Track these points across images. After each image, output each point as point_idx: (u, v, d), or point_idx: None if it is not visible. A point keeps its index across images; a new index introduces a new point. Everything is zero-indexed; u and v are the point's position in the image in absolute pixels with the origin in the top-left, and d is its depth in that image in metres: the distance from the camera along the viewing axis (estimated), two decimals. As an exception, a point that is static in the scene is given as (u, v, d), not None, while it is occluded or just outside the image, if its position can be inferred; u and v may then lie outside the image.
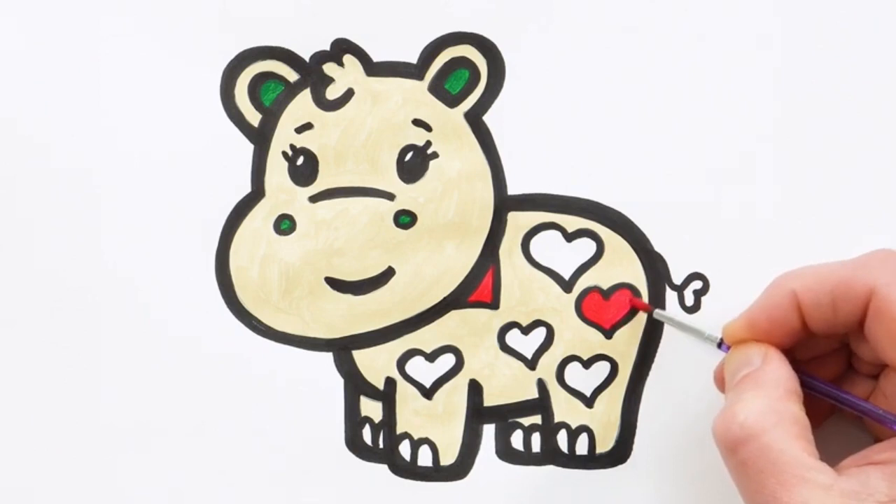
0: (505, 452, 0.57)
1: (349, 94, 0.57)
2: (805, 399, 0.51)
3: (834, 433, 0.55)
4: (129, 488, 0.57)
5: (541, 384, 0.57)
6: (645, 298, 0.57)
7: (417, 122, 0.57)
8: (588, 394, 0.57)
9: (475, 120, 0.57)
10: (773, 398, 0.49)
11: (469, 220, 0.57)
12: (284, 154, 0.57)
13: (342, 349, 0.57)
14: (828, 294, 0.50)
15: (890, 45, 0.57)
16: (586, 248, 0.57)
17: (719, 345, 0.53)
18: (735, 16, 0.57)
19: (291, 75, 0.57)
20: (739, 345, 0.52)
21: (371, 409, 0.58)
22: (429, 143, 0.57)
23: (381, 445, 0.57)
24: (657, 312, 0.56)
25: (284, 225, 0.57)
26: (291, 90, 0.57)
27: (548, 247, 0.57)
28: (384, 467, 0.57)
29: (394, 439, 0.57)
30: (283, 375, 0.57)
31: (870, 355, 0.52)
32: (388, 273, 0.57)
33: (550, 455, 0.57)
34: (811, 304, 0.51)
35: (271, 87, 0.57)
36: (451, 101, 0.57)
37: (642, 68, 0.57)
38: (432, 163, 0.57)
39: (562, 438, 0.57)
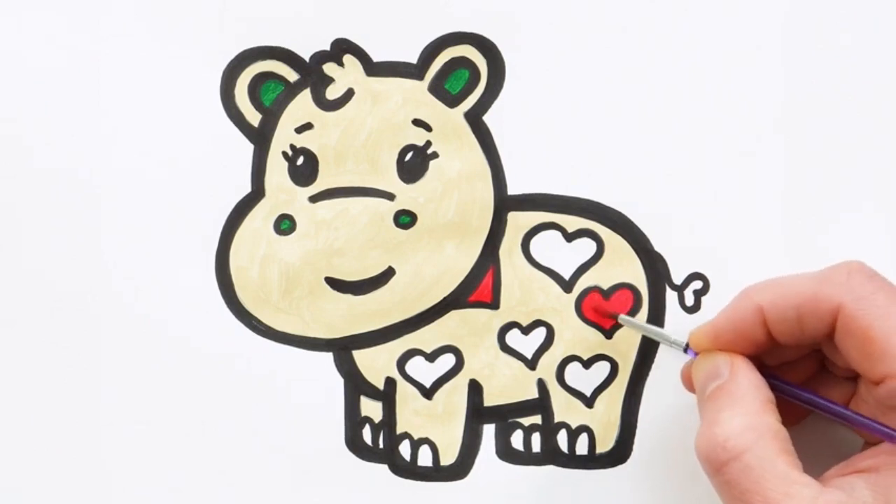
0: (505, 452, 0.57)
1: (349, 94, 0.57)
2: (780, 400, 0.51)
3: (818, 437, 0.55)
4: (130, 488, 0.57)
5: (541, 384, 0.57)
6: (645, 298, 0.57)
7: (417, 122, 0.57)
8: (588, 394, 0.57)
9: (475, 120, 0.57)
10: (749, 413, 0.49)
11: (469, 220, 0.57)
12: (284, 154, 0.57)
13: (342, 349, 0.57)
14: (793, 309, 0.50)
15: (890, 45, 0.57)
16: (586, 248, 0.57)
17: (685, 349, 0.53)
18: (735, 16, 0.57)
19: (291, 75, 0.57)
20: (706, 353, 0.52)
21: (371, 409, 0.58)
22: (429, 143, 0.57)
23: (381, 445, 0.57)
24: (621, 318, 0.56)
25: (284, 225, 0.57)
26: (291, 90, 0.57)
27: (548, 247, 0.57)
28: (384, 467, 0.57)
29: (394, 439, 0.57)
30: (283, 375, 0.57)
31: (843, 363, 0.52)
32: (388, 273, 0.57)
33: (550, 455, 0.57)
34: (777, 318, 0.50)
35: (271, 87, 0.57)
36: (451, 101, 0.57)
37: (642, 68, 0.57)
38: (432, 163, 0.57)
39: (562, 438, 0.57)
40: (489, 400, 0.58)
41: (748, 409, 0.49)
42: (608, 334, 0.57)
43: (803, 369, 0.54)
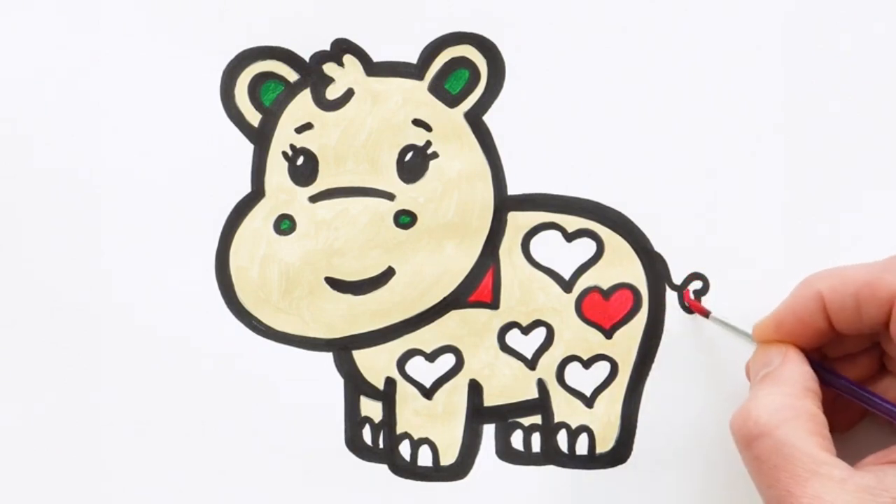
0: (505, 452, 0.57)
1: (349, 94, 0.57)
2: (834, 403, 0.51)
3: (864, 437, 0.55)
4: (130, 488, 0.57)
5: (541, 384, 0.57)
6: (644, 298, 0.57)
7: (417, 122, 0.57)
8: (588, 394, 0.57)
9: (475, 120, 0.57)
10: (788, 395, 0.49)
11: (469, 220, 0.57)
12: (284, 154, 0.57)
13: (342, 349, 0.57)
14: (852, 296, 0.50)
15: (890, 45, 0.57)
16: (586, 248, 0.57)
17: None
18: (735, 16, 0.57)
19: (291, 75, 0.57)
20: (763, 345, 0.53)
21: (371, 409, 0.58)
22: (429, 143, 0.57)
23: (381, 445, 0.57)
24: (713, 316, 0.56)
25: (284, 225, 0.57)
26: (291, 90, 0.57)
27: (548, 247, 0.57)
28: (384, 467, 0.57)
29: (394, 439, 0.57)
30: (283, 375, 0.57)
31: None
32: (388, 273, 0.57)
33: (550, 455, 0.57)
34: (836, 305, 0.51)
35: (271, 87, 0.57)
36: (451, 101, 0.57)
37: (642, 68, 0.57)
38: (432, 163, 0.57)
39: (562, 438, 0.57)
40: (489, 400, 0.58)
41: (788, 391, 0.50)
42: (608, 334, 0.57)
43: (863, 366, 0.54)
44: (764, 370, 0.51)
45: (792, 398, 0.49)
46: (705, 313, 0.56)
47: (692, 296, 0.57)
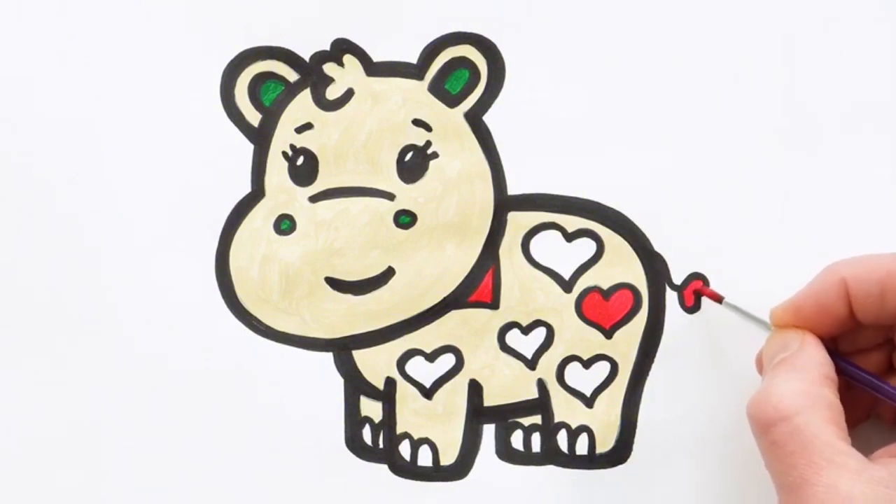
0: (505, 452, 0.57)
1: (349, 94, 0.57)
2: (844, 397, 0.51)
3: (874, 431, 0.55)
4: (129, 488, 0.57)
5: (541, 384, 0.57)
6: (645, 298, 0.57)
7: (417, 122, 0.57)
8: (588, 394, 0.57)
9: (475, 120, 0.57)
10: (807, 381, 0.49)
11: (469, 220, 0.57)
12: (284, 154, 0.57)
13: (342, 349, 0.57)
14: (877, 284, 0.50)
15: (890, 47, 0.57)
16: (586, 248, 0.57)
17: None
18: (736, 16, 0.57)
19: (291, 75, 0.57)
20: (780, 330, 0.52)
21: (371, 409, 0.58)
22: (429, 143, 0.57)
23: (381, 445, 0.57)
24: (726, 302, 0.56)
25: (284, 225, 0.57)
26: (291, 90, 0.57)
27: (548, 247, 0.57)
28: (384, 467, 0.57)
29: (394, 439, 0.57)
30: (283, 375, 0.57)
31: None
32: (388, 273, 0.57)
33: (550, 455, 0.57)
34: (860, 292, 0.51)
35: (271, 87, 0.57)
36: (451, 101, 0.57)
37: (642, 68, 0.57)
38: (432, 163, 0.57)
39: (562, 438, 0.57)
40: (489, 400, 0.58)
41: (806, 377, 0.49)
42: (608, 334, 0.57)
43: (873, 365, 0.54)
44: (781, 354, 0.51)
45: (810, 384, 0.49)
46: (718, 299, 0.55)
47: (691, 295, 0.57)
